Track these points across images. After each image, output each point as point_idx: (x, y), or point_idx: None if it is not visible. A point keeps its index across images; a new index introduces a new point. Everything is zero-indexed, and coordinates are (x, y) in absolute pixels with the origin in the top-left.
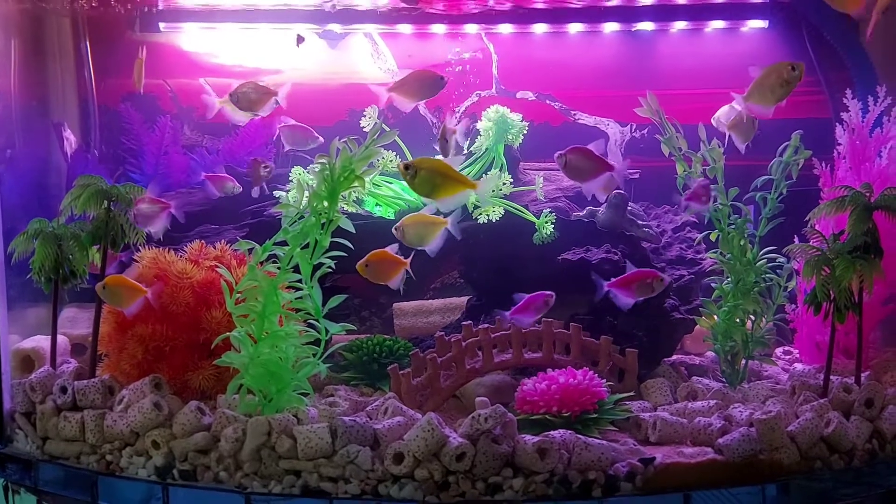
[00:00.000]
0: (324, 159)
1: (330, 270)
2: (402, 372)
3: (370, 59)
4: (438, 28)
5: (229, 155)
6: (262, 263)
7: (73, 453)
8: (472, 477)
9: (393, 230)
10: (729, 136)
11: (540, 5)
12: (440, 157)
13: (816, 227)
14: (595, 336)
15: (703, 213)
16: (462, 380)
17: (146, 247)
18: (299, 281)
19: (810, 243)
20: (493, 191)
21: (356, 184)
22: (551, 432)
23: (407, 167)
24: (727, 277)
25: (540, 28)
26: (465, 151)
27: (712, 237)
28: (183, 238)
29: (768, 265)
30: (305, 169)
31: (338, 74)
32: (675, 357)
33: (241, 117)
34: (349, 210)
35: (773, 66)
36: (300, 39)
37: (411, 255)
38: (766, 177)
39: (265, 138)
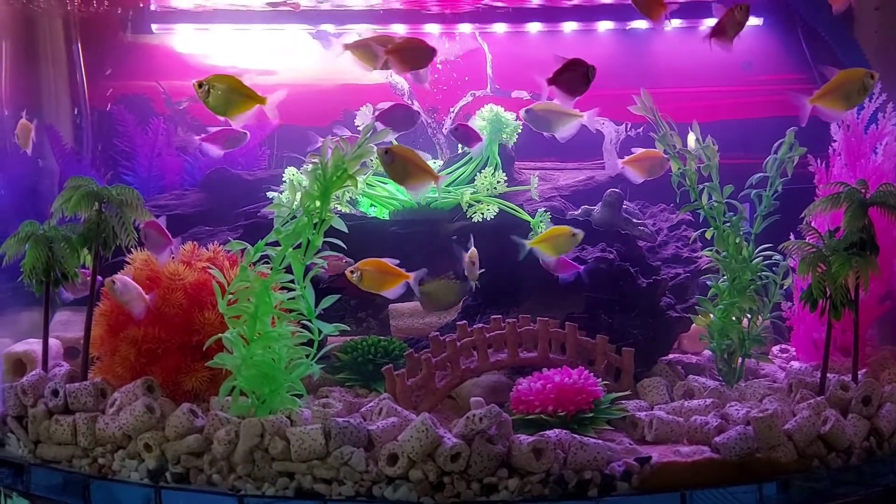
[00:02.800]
0: (316, 159)
1: (323, 270)
2: (396, 373)
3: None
4: (432, 28)
5: (223, 156)
6: (254, 264)
7: (66, 457)
8: (467, 477)
9: (347, 273)
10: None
11: (534, 4)
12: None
13: (812, 223)
14: (591, 335)
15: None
16: (457, 380)
17: (138, 249)
18: (292, 281)
19: (806, 240)
20: (488, 189)
21: (349, 183)
22: (547, 432)
23: (200, 85)
24: (723, 275)
25: (534, 27)
26: (460, 151)
27: (708, 235)
28: None
29: (764, 262)
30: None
31: (332, 75)
32: (671, 356)
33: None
34: (343, 211)
35: (848, 71)
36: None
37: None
38: (762, 174)
39: (259, 139)
